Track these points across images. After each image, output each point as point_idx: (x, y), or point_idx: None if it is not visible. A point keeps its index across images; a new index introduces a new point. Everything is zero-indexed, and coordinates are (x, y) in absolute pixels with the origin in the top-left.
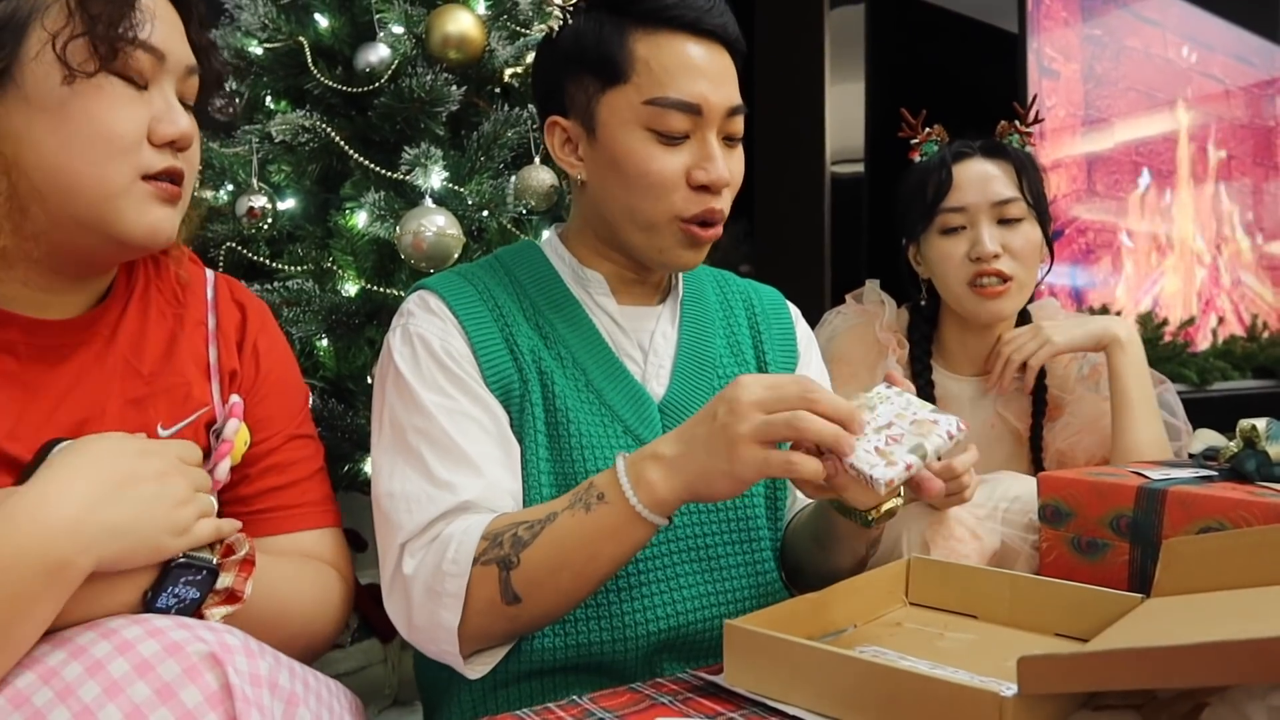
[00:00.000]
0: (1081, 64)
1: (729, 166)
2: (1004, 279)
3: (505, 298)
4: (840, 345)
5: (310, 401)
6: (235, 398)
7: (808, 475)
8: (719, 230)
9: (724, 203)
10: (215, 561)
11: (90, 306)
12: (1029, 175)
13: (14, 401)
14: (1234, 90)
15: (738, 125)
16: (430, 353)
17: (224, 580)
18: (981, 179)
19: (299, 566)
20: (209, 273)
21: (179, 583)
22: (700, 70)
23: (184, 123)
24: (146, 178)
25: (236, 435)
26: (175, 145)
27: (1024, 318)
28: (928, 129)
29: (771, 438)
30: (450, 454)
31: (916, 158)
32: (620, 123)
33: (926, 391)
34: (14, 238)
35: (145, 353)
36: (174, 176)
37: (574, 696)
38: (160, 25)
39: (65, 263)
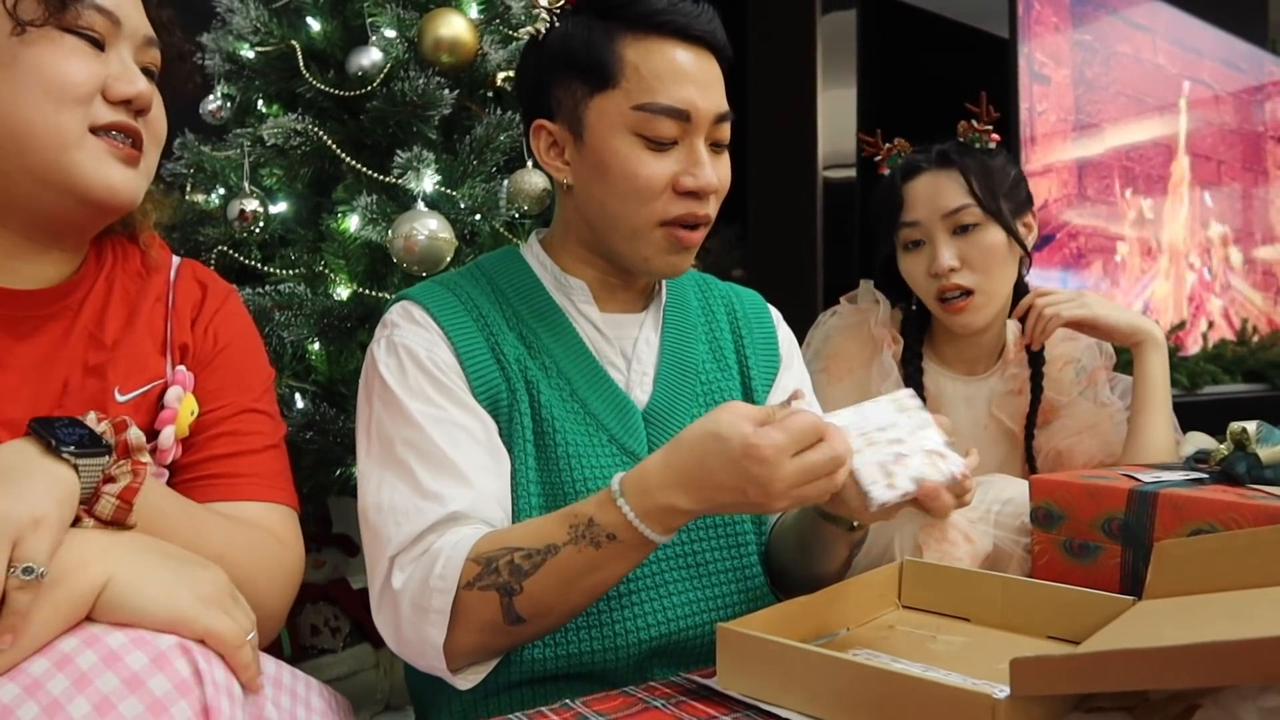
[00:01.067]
0: (1072, 69)
1: (716, 173)
2: (965, 292)
3: (489, 307)
4: (836, 342)
5: (274, 378)
6: (182, 368)
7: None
8: (702, 235)
9: (710, 208)
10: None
11: (61, 279)
12: (981, 177)
13: None
14: (1223, 96)
15: (725, 132)
16: (417, 363)
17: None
18: (930, 192)
19: (237, 524)
20: (175, 257)
21: (59, 427)
22: (689, 76)
23: (142, 84)
24: (96, 130)
25: (181, 404)
26: (132, 106)
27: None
28: (888, 144)
29: (806, 492)
30: (438, 464)
31: (885, 172)
32: (608, 127)
33: (916, 385)
34: None
35: (107, 323)
36: (129, 133)
37: (566, 701)
38: None
39: (26, 225)
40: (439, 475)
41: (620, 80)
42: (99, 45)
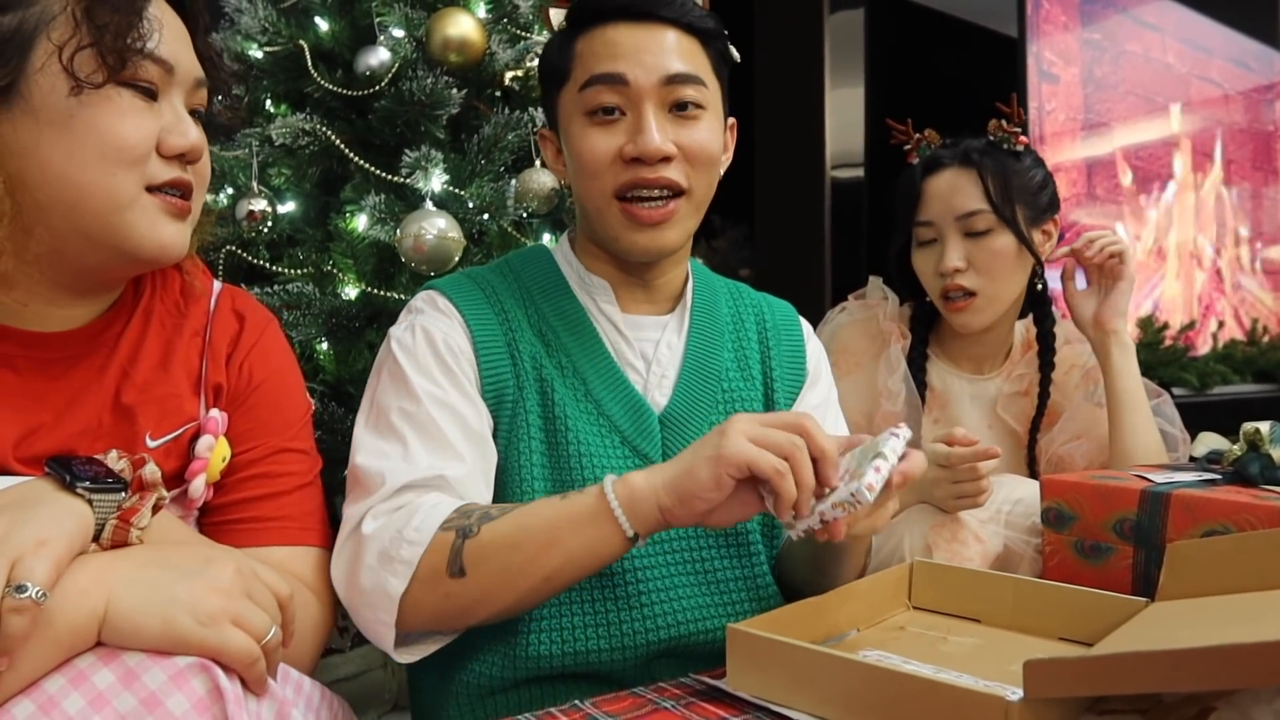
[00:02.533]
0: (1081, 68)
1: (679, 136)
2: (968, 293)
3: (512, 303)
4: (844, 337)
5: (312, 410)
6: (215, 412)
7: (784, 491)
8: (672, 211)
9: (672, 173)
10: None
11: (94, 318)
12: (999, 182)
13: (16, 414)
14: (1233, 95)
15: (686, 93)
16: (430, 344)
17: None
18: (948, 192)
19: None
20: (217, 284)
21: (75, 465)
22: (627, 47)
23: (194, 135)
24: (152, 189)
25: (212, 452)
26: (185, 158)
27: (1042, 314)
28: (919, 134)
29: (765, 442)
30: (433, 438)
31: (915, 160)
32: (567, 117)
33: (921, 381)
34: (15, 261)
35: (141, 360)
36: (182, 189)
37: (576, 701)
38: (168, 36)
39: (71, 279)
40: (431, 447)
41: (571, 72)
42: (152, 96)
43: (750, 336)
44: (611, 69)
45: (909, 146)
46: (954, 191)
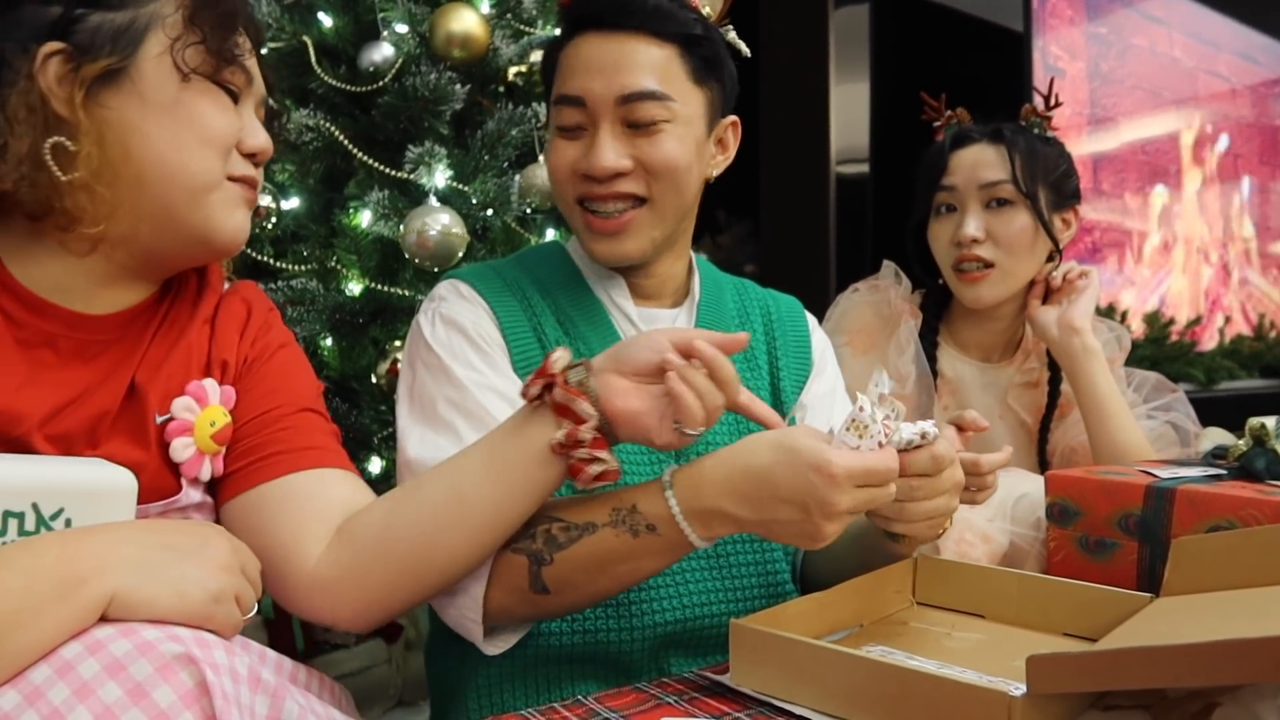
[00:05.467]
0: (1087, 62)
1: (637, 150)
2: (984, 264)
3: (532, 291)
4: (858, 315)
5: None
6: (209, 382)
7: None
8: (627, 221)
9: (628, 185)
10: None
11: (133, 304)
12: (1026, 159)
13: (49, 392)
14: (1240, 89)
15: (644, 110)
16: (462, 332)
17: None
18: (974, 162)
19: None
20: (225, 282)
21: None
22: (589, 63)
23: (263, 138)
24: (232, 179)
25: (193, 415)
26: (256, 159)
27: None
28: (949, 113)
29: (861, 507)
30: (482, 423)
31: (940, 139)
32: (550, 126)
33: (930, 370)
34: (104, 230)
35: (156, 346)
36: (251, 183)
37: (579, 696)
38: (250, 53)
39: (137, 258)
40: (481, 431)
41: (553, 83)
42: (236, 100)
43: (756, 329)
44: (571, 90)
45: (939, 124)
46: (979, 163)
